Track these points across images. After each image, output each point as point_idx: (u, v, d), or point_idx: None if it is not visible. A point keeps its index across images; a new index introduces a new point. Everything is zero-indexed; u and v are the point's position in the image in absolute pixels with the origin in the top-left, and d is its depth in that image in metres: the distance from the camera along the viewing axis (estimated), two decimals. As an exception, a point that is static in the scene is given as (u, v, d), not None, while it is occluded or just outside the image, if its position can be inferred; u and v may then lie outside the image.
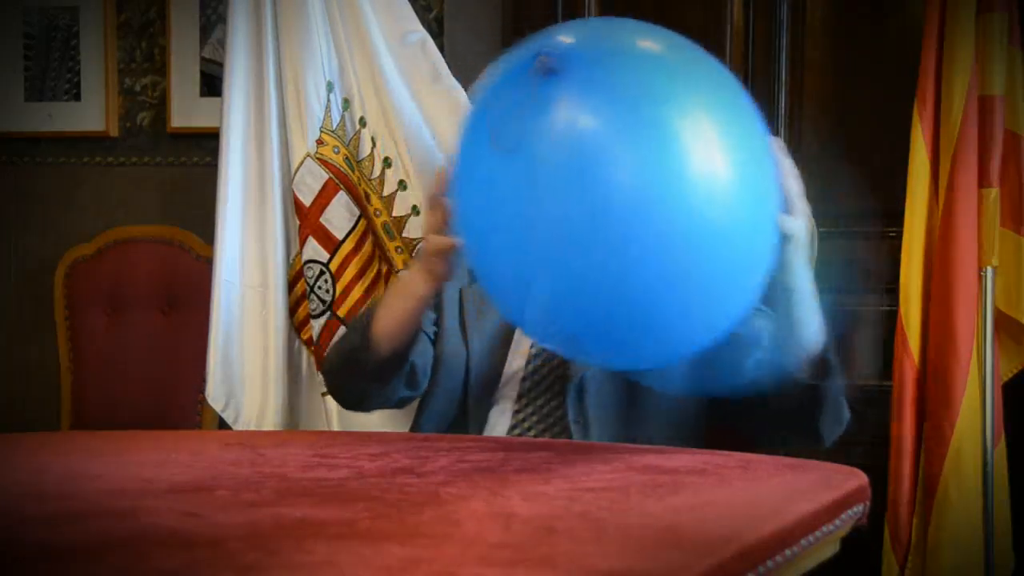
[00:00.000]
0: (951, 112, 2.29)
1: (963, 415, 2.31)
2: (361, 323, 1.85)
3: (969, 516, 2.32)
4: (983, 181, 2.31)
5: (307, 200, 2.44)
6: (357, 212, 2.46)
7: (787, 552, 1.04)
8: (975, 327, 2.31)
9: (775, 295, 1.55)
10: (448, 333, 1.92)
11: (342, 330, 1.93)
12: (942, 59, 2.31)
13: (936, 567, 2.33)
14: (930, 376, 2.35)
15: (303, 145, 2.44)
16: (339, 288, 2.43)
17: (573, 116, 1.34)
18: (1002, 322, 2.36)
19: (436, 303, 1.94)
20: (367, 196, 2.48)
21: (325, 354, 1.96)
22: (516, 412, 1.85)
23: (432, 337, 1.93)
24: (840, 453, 1.60)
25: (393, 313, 1.80)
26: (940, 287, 2.32)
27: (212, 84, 3.10)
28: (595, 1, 2.90)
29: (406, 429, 2.03)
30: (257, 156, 2.50)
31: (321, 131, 2.45)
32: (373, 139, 2.49)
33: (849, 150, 2.75)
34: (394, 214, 2.48)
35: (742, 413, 1.70)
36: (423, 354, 1.89)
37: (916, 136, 2.35)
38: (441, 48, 2.79)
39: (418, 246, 1.76)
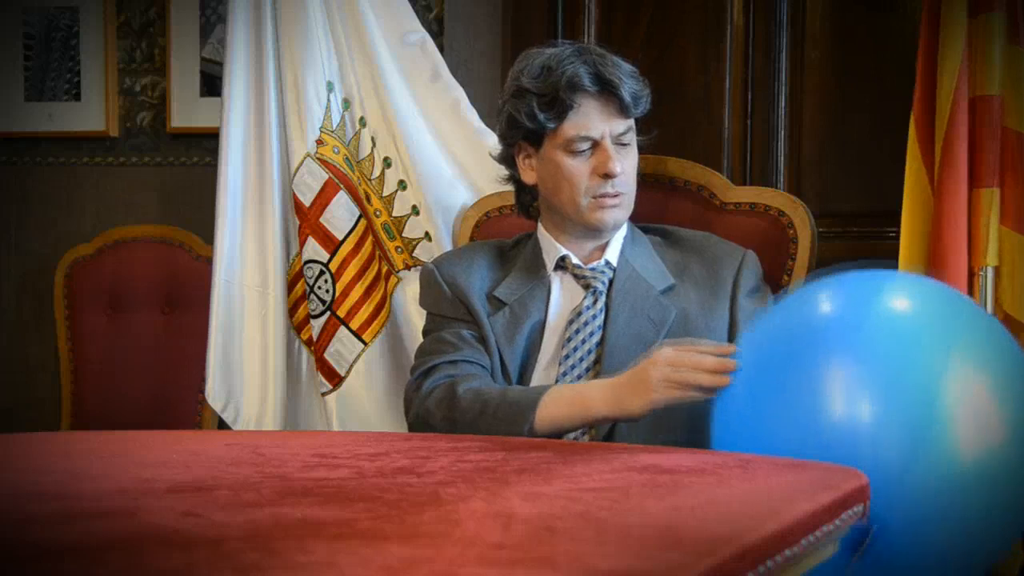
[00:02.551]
0: (941, 113, 2.30)
1: None
2: (512, 414, 1.80)
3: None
4: (980, 181, 2.31)
5: (307, 200, 2.44)
6: (357, 212, 2.46)
7: (787, 552, 1.04)
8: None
9: None
10: (495, 371, 1.96)
11: (462, 401, 1.85)
12: (936, 60, 2.32)
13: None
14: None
15: (303, 145, 2.44)
16: (339, 288, 2.43)
17: None
18: (1008, 324, 2.35)
19: (478, 336, 1.97)
20: (367, 196, 2.48)
21: (428, 411, 1.90)
22: None
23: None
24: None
25: (570, 425, 1.80)
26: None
27: (212, 84, 3.10)
28: (595, 2, 2.90)
29: (406, 429, 2.03)
30: (257, 156, 2.50)
31: (321, 131, 2.45)
32: (373, 139, 2.49)
33: (849, 150, 2.75)
34: (394, 214, 2.48)
35: None
36: None
37: (912, 136, 2.35)
38: (441, 48, 2.80)
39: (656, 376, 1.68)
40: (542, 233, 2.05)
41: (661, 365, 1.68)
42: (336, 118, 2.47)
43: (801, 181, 2.76)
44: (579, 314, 1.95)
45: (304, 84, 2.43)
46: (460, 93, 2.50)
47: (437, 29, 2.95)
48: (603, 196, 1.94)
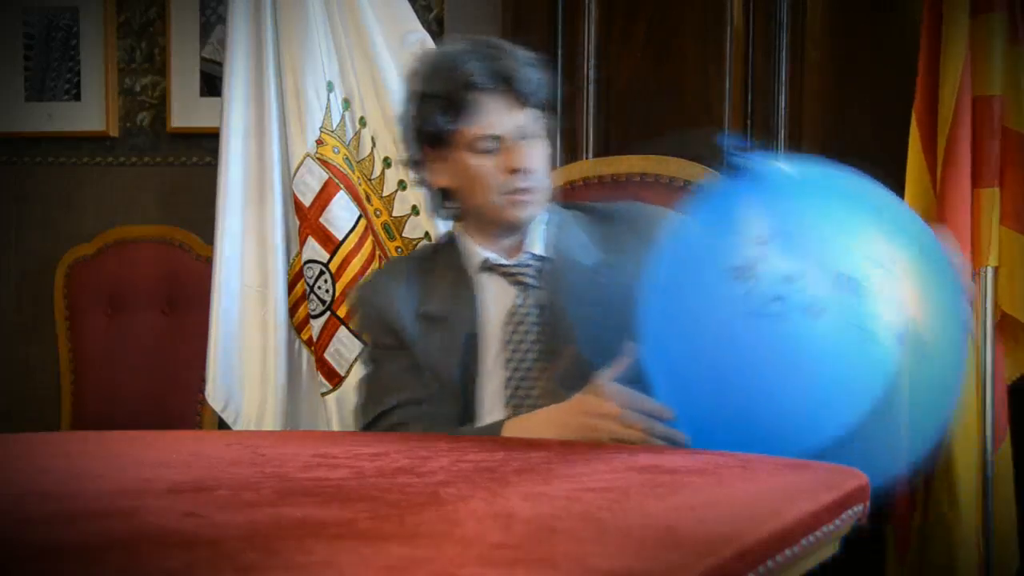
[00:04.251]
0: (944, 112, 2.30)
1: (957, 416, 2.30)
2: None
3: (962, 517, 2.32)
4: (981, 181, 2.31)
5: (307, 200, 2.44)
6: (357, 212, 2.46)
7: (787, 552, 1.04)
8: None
9: None
10: (439, 391, 1.90)
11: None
12: (938, 60, 2.32)
13: (933, 566, 2.33)
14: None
15: (303, 145, 2.44)
16: (339, 288, 2.43)
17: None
18: (1005, 324, 2.36)
19: (414, 364, 1.90)
20: (367, 196, 2.48)
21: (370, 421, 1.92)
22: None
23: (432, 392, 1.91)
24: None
25: None
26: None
27: (212, 84, 3.10)
28: (595, 2, 2.90)
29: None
30: (257, 156, 2.50)
31: (321, 131, 2.45)
32: (373, 139, 2.49)
33: (849, 150, 2.75)
34: (394, 214, 2.48)
35: None
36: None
37: (913, 136, 2.36)
38: (441, 48, 2.80)
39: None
40: (461, 236, 1.98)
41: (593, 412, 1.66)
42: (336, 118, 2.47)
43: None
44: (514, 314, 1.90)
45: (304, 84, 2.43)
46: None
47: (437, 29, 2.95)
48: (515, 192, 1.87)
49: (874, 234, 1.48)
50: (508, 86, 1.85)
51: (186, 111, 3.17)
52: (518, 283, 1.92)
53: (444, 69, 1.88)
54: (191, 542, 0.93)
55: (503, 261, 1.93)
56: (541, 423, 1.74)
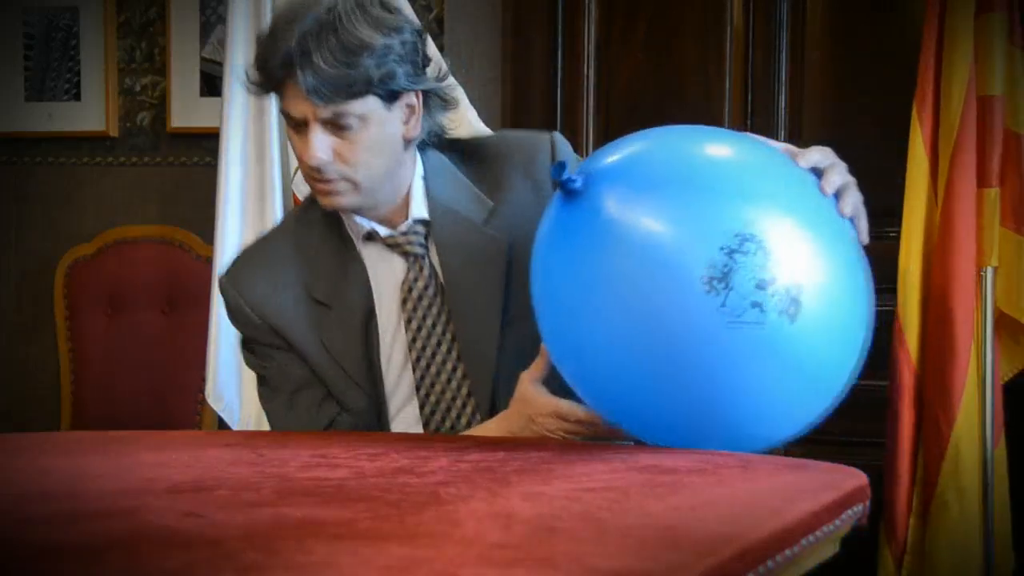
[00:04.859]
0: (950, 112, 2.30)
1: (961, 416, 2.31)
2: None
3: (967, 517, 2.32)
4: (982, 181, 2.32)
5: (307, 200, 2.44)
6: (357, 212, 2.46)
7: (787, 552, 1.04)
8: (973, 327, 2.32)
9: None
10: (342, 389, 1.75)
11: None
12: (941, 59, 2.32)
13: (934, 567, 2.33)
14: (928, 376, 2.35)
15: (303, 145, 2.44)
16: (339, 288, 2.43)
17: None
18: (1003, 322, 2.36)
19: (310, 373, 1.73)
20: (367, 196, 2.48)
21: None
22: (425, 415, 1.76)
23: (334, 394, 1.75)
24: (839, 453, 1.60)
25: None
26: (938, 287, 2.32)
27: (212, 84, 3.10)
28: (595, 2, 2.90)
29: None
30: (257, 156, 2.50)
31: (321, 131, 2.45)
32: (373, 139, 2.49)
33: (849, 150, 2.75)
34: (394, 214, 2.48)
35: None
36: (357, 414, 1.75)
37: (915, 136, 2.35)
38: (441, 48, 2.80)
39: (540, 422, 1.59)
40: None
41: (534, 423, 1.61)
42: (336, 118, 2.47)
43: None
44: (409, 290, 1.72)
45: (304, 84, 2.43)
46: (460, 93, 2.50)
47: (437, 29, 2.95)
48: (313, 181, 1.66)
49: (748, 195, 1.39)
50: (294, 76, 1.59)
51: (186, 111, 3.17)
52: (405, 254, 1.73)
53: (266, 34, 1.66)
54: (191, 542, 0.93)
55: (384, 231, 1.72)
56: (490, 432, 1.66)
